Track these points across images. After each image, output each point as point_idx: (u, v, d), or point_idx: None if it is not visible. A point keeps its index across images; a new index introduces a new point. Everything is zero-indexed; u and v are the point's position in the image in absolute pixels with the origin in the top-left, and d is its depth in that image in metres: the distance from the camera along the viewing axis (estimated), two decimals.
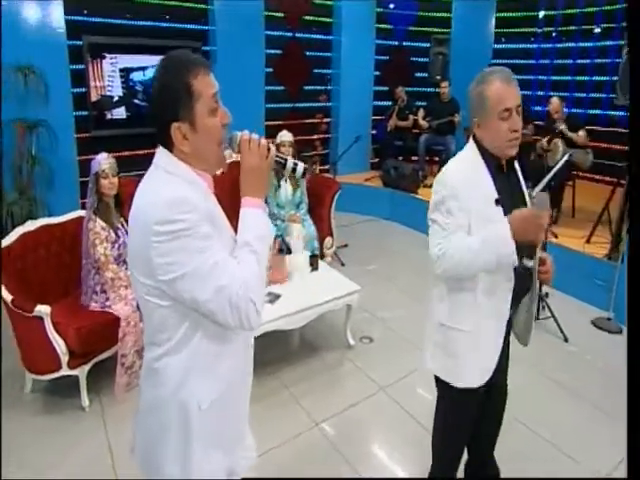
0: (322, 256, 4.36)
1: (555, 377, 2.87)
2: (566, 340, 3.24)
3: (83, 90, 4.44)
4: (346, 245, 4.83)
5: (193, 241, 0.96)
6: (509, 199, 1.49)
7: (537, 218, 1.38)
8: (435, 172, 6.48)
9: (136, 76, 4.69)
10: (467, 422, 1.71)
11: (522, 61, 6.34)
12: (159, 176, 1.04)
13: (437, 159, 6.29)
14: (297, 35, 5.79)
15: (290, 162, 1.12)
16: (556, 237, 4.07)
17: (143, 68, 4.71)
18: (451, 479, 1.88)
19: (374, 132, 6.59)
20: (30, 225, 2.79)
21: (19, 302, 2.33)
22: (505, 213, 1.44)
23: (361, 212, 5.73)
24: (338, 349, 3.11)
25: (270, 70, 5.64)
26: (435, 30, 6.59)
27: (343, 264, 4.50)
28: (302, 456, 2.26)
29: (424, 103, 6.16)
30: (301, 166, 1.12)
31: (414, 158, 6.18)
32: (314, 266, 3.21)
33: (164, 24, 4.88)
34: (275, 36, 5.61)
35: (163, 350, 1.07)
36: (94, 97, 4.49)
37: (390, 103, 6.31)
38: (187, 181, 1.03)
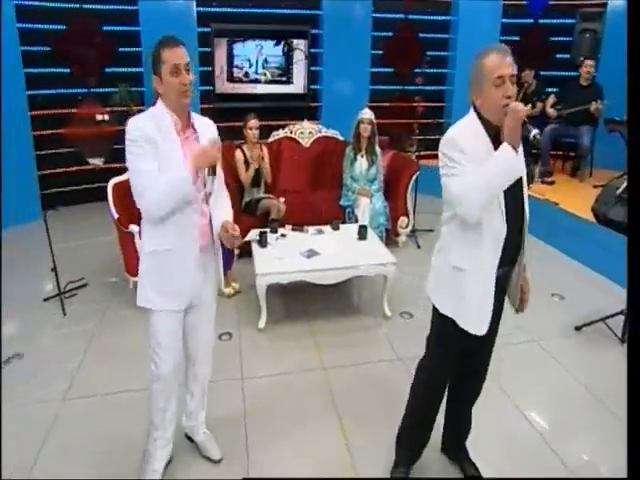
0: (396, 234, 4.47)
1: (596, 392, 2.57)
2: (623, 342, 2.95)
3: (209, 69, 5.29)
4: (432, 230, 4.79)
5: (132, 149, 1.59)
6: None
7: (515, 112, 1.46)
8: (566, 169, 5.78)
9: (252, 59, 5.44)
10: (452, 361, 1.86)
11: None
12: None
13: (572, 154, 5.53)
14: (410, 17, 5.73)
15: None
16: None
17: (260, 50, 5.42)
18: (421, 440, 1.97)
19: None
20: None
21: (122, 220, 3.22)
22: None
23: None
24: (375, 317, 3.27)
25: (377, 52, 5.72)
26: (584, 3, 5.79)
27: (419, 246, 4.52)
28: (296, 388, 2.58)
29: (556, 90, 5.52)
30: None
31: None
32: (361, 235, 3.40)
33: (279, 10, 5.43)
34: (385, 18, 5.65)
35: None
36: (217, 75, 5.33)
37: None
38: (150, 116, 1.64)
